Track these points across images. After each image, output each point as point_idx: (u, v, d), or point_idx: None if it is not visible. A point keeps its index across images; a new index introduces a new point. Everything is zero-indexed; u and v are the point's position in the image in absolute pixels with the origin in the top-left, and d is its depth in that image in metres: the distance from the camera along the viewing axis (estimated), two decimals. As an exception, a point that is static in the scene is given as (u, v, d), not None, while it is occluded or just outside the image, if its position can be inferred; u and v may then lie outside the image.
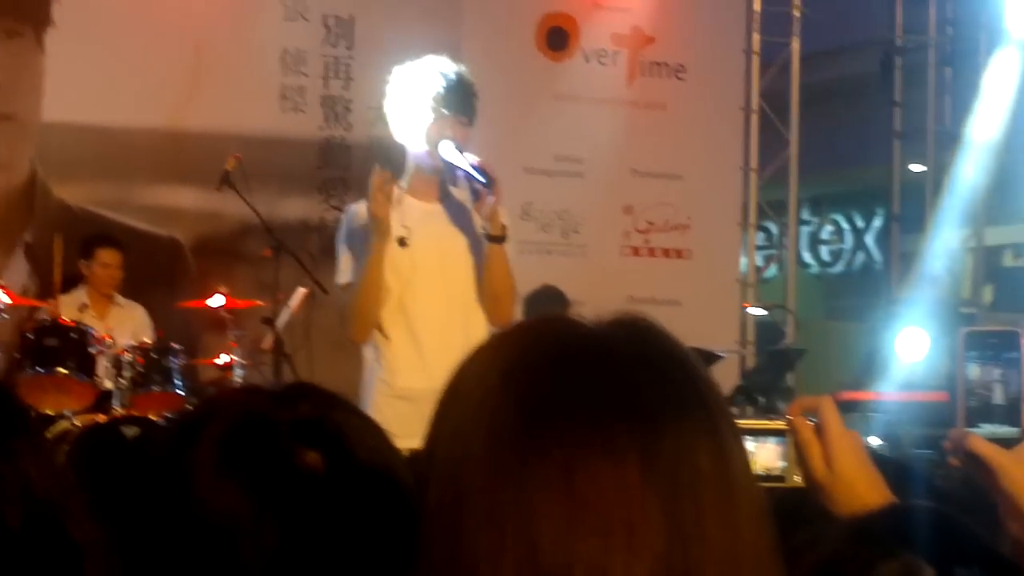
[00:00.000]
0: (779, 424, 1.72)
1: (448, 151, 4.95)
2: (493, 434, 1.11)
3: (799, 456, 1.71)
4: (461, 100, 5.03)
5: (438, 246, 5.09)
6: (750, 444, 1.71)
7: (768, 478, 1.72)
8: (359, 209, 5.13)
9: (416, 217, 5.07)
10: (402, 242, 5.03)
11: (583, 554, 1.07)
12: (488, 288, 5.06)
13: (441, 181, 5.12)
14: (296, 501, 1.43)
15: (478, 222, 5.07)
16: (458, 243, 5.12)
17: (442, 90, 4.99)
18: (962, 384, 1.77)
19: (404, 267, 5.04)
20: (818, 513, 1.67)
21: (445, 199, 5.16)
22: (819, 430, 1.70)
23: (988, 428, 1.75)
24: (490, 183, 4.92)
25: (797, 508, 1.80)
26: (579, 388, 1.13)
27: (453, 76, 5.04)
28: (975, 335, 1.80)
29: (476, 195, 4.99)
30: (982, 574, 1.30)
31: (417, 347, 5.02)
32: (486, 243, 5.04)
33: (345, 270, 5.12)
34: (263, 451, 1.44)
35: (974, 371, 1.77)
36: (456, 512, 1.11)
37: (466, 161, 4.94)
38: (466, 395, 1.16)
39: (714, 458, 1.13)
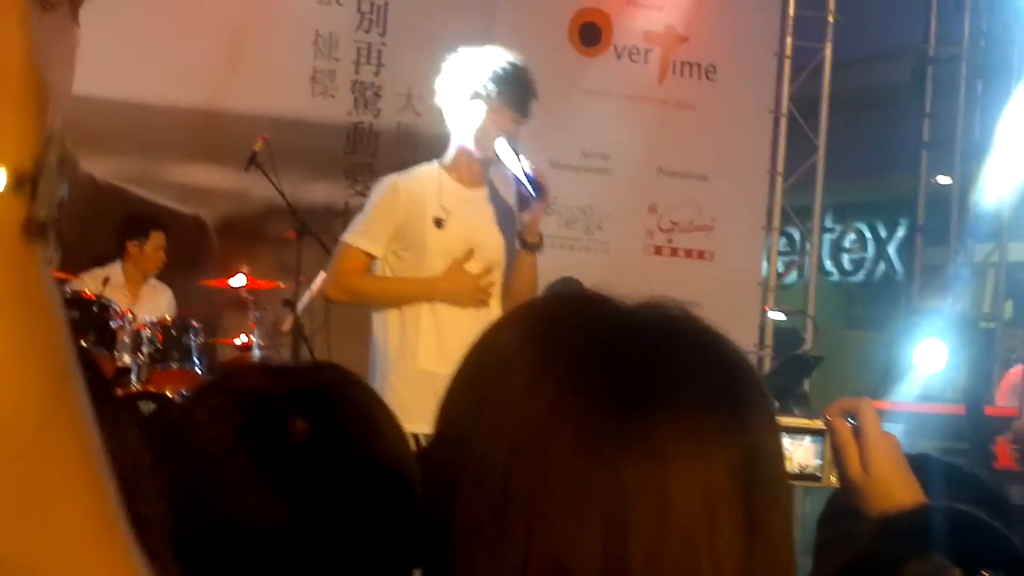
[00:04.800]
0: (817, 424, 1.73)
1: (504, 150, 4.95)
2: (582, 417, 1.09)
3: (835, 456, 1.72)
4: (523, 99, 5.01)
5: (472, 234, 5.11)
6: (787, 442, 1.72)
7: (804, 477, 1.73)
8: (400, 184, 5.12)
9: (455, 201, 5.08)
10: (439, 223, 5.05)
11: (672, 546, 1.07)
12: (513, 289, 5.07)
13: (484, 168, 5.13)
14: (287, 467, 1.49)
15: (515, 217, 5.10)
16: (491, 234, 5.13)
17: (506, 86, 4.96)
18: None
19: (436, 249, 5.06)
20: (851, 513, 1.68)
21: (486, 186, 5.17)
22: (856, 431, 1.71)
23: None
24: (541, 194, 4.94)
25: (831, 507, 1.81)
26: (673, 374, 1.12)
27: (519, 73, 5.01)
28: None
29: (524, 202, 4.99)
30: (1008, 578, 1.31)
31: (439, 331, 5.04)
32: (519, 246, 5.06)
33: (358, 231, 5.15)
34: (261, 420, 1.51)
35: None
36: (539, 498, 1.08)
37: (520, 166, 4.93)
38: (508, 373, 1.13)
39: (778, 455, 1.14)
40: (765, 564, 1.09)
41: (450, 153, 5.13)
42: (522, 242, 5.05)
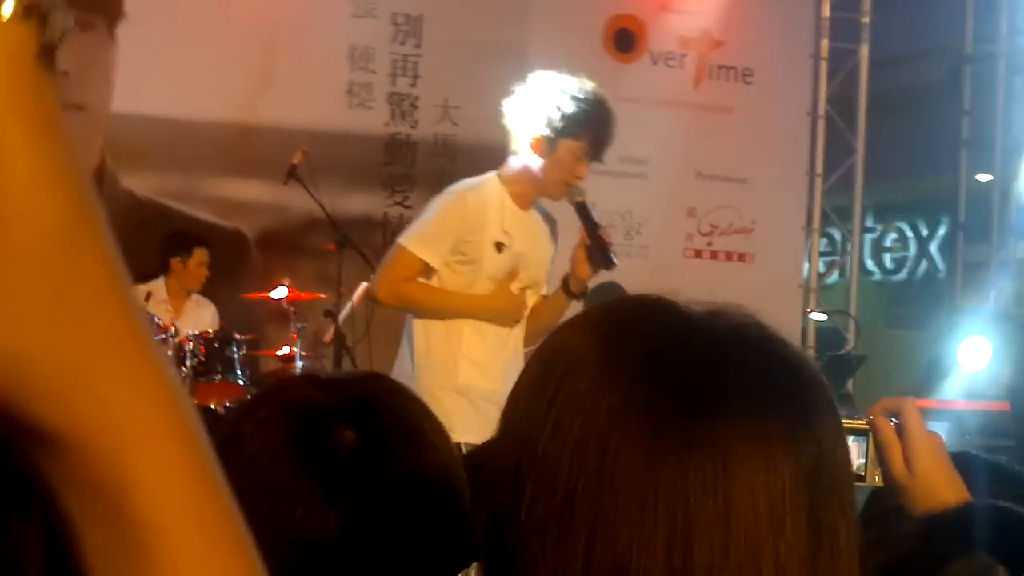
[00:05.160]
0: (860, 423, 1.73)
1: (582, 203, 4.97)
2: (648, 420, 1.09)
3: (879, 455, 1.72)
4: (604, 148, 5.02)
5: (524, 257, 5.12)
6: None
7: None
8: (469, 197, 5.10)
9: (515, 225, 5.08)
10: (499, 247, 5.04)
11: (736, 552, 1.07)
12: (537, 321, 5.09)
13: (539, 193, 5.13)
14: (336, 478, 1.50)
15: (555, 235, 5.12)
16: (538, 257, 5.16)
17: (596, 134, 4.94)
18: None
19: (494, 271, 5.06)
20: (893, 511, 1.68)
21: (536, 207, 5.17)
22: (900, 430, 1.71)
23: None
24: (611, 264, 4.95)
25: (872, 506, 1.81)
26: (740, 381, 1.12)
27: (609, 121, 4.99)
28: None
29: (595, 262, 4.99)
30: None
31: (481, 345, 5.05)
32: (561, 289, 5.08)
33: (419, 239, 5.10)
34: (309, 431, 1.52)
35: None
36: (603, 499, 1.08)
37: (598, 228, 4.97)
38: (575, 375, 1.13)
39: (845, 462, 1.15)
40: (829, 572, 1.09)
41: (512, 169, 5.08)
42: (565, 285, 5.06)
